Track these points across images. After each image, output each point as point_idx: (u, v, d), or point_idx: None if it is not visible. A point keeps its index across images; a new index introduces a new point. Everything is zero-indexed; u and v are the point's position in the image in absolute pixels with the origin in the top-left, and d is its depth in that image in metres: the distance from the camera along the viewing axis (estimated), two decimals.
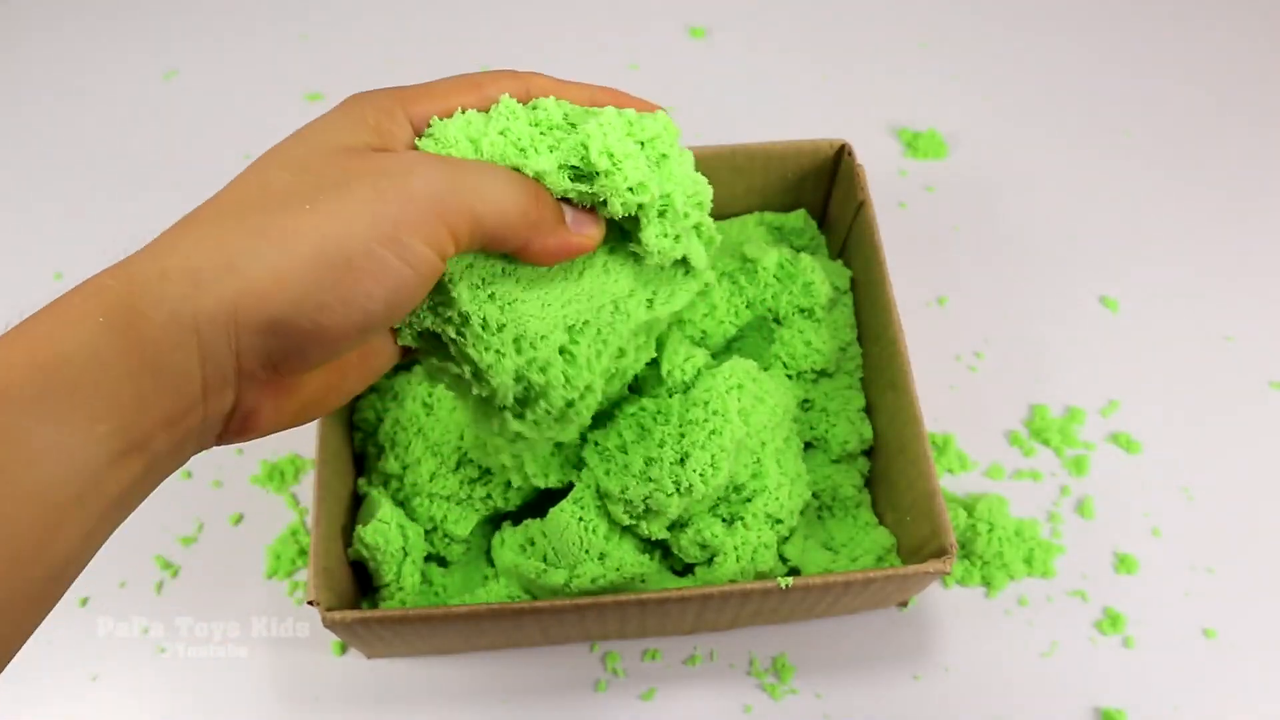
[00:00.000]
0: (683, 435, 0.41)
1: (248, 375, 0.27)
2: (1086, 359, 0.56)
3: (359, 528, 0.43)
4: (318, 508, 0.41)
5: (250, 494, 0.52)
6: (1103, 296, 0.59)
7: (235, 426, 0.28)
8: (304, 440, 0.53)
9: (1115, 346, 0.57)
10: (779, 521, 0.44)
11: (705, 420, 0.41)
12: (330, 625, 0.38)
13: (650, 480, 0.41)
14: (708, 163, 0.52)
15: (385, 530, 0.43)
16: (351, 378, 0.32)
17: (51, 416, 0.23)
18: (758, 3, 0.73)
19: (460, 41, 0.71)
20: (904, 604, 0.49)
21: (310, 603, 0.38)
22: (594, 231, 0.33)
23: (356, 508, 0.46)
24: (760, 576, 0.43)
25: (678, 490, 0.41)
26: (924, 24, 0.72)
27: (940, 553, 0.40)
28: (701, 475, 0.41)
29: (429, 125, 0.31)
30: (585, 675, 0.47)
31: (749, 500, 0.44)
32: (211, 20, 0.73)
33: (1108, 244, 0.61)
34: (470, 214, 0.28)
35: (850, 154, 0.50)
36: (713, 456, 0.41)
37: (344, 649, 0.47)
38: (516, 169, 0.31)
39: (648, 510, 0.41)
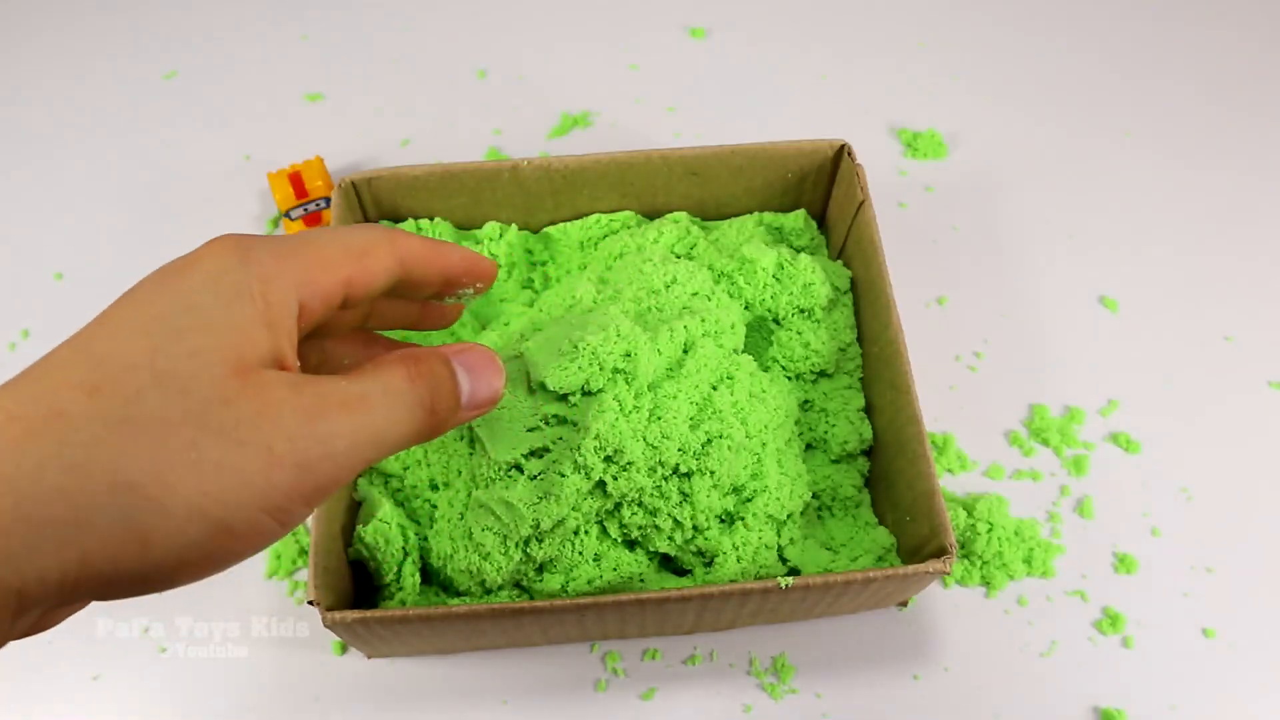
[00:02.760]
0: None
1: (53, 605, 0.22)
2: (1086, 359, 0.56)
3: (359, 528, 0.43)
4: (318, 507, 0.41)
5: None
6: (1103, 296, 0.59)
7: (19, 631, 0.23)
8: None
9: (1115, 346, 0.57)
10: (780, 522, 0.44)
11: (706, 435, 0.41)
12: (330, 625, 0.38)
13: (650, 514, 0.41)
14: (707, 163, 0.52)
15: (385, 530, 0.43)
16: None
17: None
18: (758, 3, 0.73)
19: (460, 42, 0.71)
20: (904, 604, 0.49)
21: (310, 603, 0.38)
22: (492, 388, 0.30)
23: (356, 508, 0.46)
24: (760, 577, 0.43)
25: (678, 525, 0.41)
26: (924, 24, 0.72)
27: (940, 553, 0.40)
28: (707, 507, 0.41)
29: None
30: (585, 675, 0.47)
31: (749, 500, 0.43)
32: (211, 20, 0.73)
33: (1108, 244, 0.61)
34: (373, 456, 0.26)
35: (850, 154, 0.50)
36: (713, 473, 0.41)
37: (344, 649, 0.47)
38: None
39: (645, 537, 0.42)
